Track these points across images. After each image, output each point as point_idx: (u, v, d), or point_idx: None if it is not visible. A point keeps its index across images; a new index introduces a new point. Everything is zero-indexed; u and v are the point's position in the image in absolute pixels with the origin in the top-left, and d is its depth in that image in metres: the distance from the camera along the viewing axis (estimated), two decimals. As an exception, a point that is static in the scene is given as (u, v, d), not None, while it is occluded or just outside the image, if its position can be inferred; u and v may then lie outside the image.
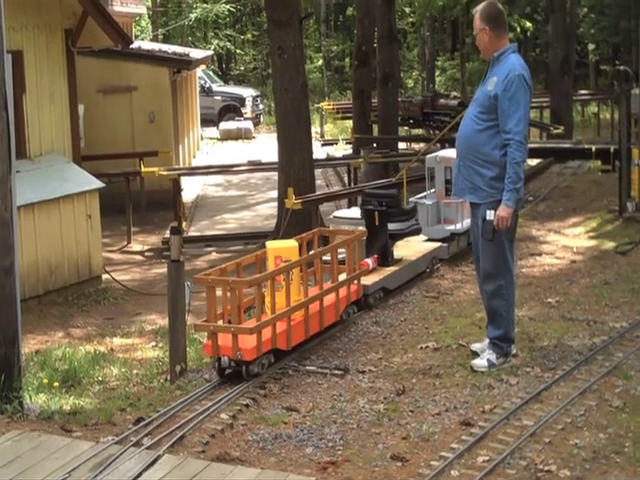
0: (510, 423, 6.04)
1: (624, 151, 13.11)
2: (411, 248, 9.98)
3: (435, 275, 10.03)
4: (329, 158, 20.77)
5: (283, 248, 7.61)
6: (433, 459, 5.60)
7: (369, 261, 8.95)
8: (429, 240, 10.38)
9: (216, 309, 7.07)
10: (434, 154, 11.24)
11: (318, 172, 17.98)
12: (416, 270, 9.65)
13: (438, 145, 19.40)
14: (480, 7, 7.08)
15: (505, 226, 6.84)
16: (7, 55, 7.00)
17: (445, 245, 10.38)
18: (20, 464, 5.48)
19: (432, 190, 10.98)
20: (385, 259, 9.23)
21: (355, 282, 8.34)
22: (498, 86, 6.80)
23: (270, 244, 7.81)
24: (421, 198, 11.01)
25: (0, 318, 6.68)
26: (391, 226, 9.32)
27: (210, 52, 31.82)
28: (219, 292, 7.16)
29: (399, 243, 9.79)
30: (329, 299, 7.89)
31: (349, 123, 26.34)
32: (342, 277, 8.20)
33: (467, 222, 10.26)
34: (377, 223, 9.25)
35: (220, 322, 7.16)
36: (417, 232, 9.91)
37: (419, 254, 9.83)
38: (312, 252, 8.16)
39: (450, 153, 10.68)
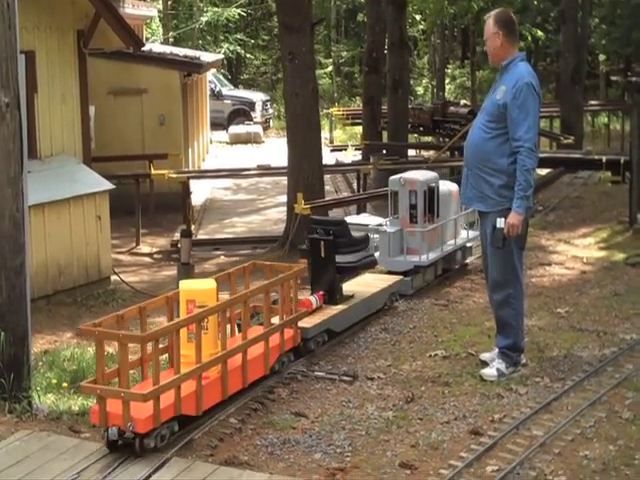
0: (520, 433, 6.03)
1: (635, 162, 13.10)
2: (367, 282, 8.98)
3: (445, 283, 10.01)
4: (338, 164, 20.77)
5: (197, 291, 6.39)
6: (442, 467, 5.60)
7: (312, 299, 7.86)
8: (390, 273, 9.40)
9: (104, 367, 5.86)
10: (398, 176, 9.99)
11: (327, 178, 17.96)
12: (370, 308, 8.54)
13: (447, 153, 19.43)
14: (494, 12, 7.16)
15: (516, 233, 6.84)
16: (20, 55, 7.02)
17: (408, 279, 9.32)
18: (29, 464, 5.48)
19: (395, 216, 9.82)
20: (332, 296, 8.09)
21: (292, 326, 7.24)
22: (507, 94, 6.82)
23: (183, 285, 6.55)
24: (382, 225, 9.91)
25: (10, 318, 6.68)
26: (339, 258, 8.20)
27: (220, 56, 31.86)
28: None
29: (354, 277, 8.93)
30: (256, 350, 6.75)
31: (358, 129, 26.35)
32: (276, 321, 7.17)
33: (433, 254, 9.65)
34: (323, 255, 8.13)
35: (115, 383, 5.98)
36: (371, 265, 8.88)
37: (375, 289, 8.73)
38: (235, 295, 6.91)
39: (416, 175, 10.00)
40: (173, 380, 5.83)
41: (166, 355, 6.63)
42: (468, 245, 10.54)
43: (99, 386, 5.74)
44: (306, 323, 7.51)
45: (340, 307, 8.06)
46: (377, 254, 9.39)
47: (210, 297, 6.36)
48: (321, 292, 8.02)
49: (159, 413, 5.67)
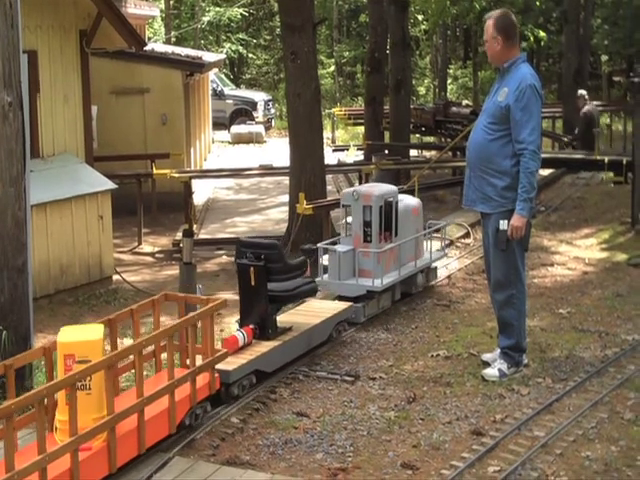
0: (521, 433, 6.03)
1: (637, 163, 13.09)
2: (310, 311, 8.00)
3: (447, 284, 9.99)
4: (340, 164, 20.74)
5: (77, 343, 5.32)
6: (444, 468, 5.60)
7: (239, 335, 6.95)
8: (341, 298, 8.53)
9: None
10: (351, 189, 9.14)
11: (329, 178, 17.96)
12: (311, 342, 7.56)
13: (450, 154, 19.42)
14: (494, 15, 7.09)
15: (519, 235, 6.84)
16: (22, 55, 7.03)
17: (359, 305, 8.39)
18: (30, 464, 5.43)
19: (348, 234, 8.86)
20: (264, 330, 7.15)
21: (208, 370, 6.18)
22: (509, 96, 6.82)
23: (61, 335, 5.43)
24: (332, 244, 8.98)
25: (12, 317, 6.70)
26: (272, 286, 7.22)
27: (222, 56, 31.84)
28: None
29: (297, 304, 8.11)
30: (157, 406, 5.67)
31: (360, 129, 26.32)
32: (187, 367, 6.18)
33: (389, 277, 8.74)
34: (253, 282, 7.14)
35: None
36: (310, 293, 7.86)
37: (318, 320, 7.71)
38: (125, 346, 5.95)
39: (371, 188, 9.07)
40: (34, 463, 4.70)
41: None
42: (433, 266, 9.75)
43: None
44: (228, 364, 6.50)
45: (273, 343, 7.09)
46: (326, 276, 8.72)
47: (94, 350, 5.31)
48: (251, 326, 7.12)
49: None
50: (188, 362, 6.17)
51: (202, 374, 6.11)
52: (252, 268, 7.13)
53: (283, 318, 7.68)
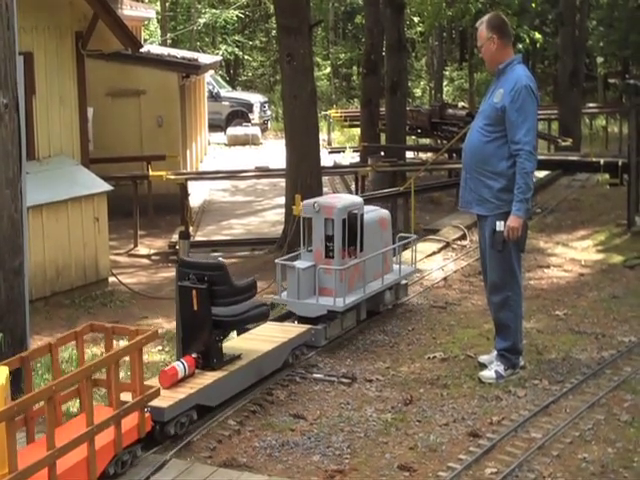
0: (518, 435, 6.03)
1: (633, 165, 13.11)
2: (263, 336, 7.32)
3: (443, 285, 9.99)
4: (336, 166, 20.76)
5: None
6: (441, 470, 5.60)
7: (179, 366, 6.27)
8: (301, 319, 7.97)
9: None
10: (312, 200, 8.40)
11: (325, 180, 17.99)
12: (262, 371, 6.86)
13: (445, 156, 19.44)
14: (485, 18, 7.19)
15: (516, 236, 6.84)
16: (18, 57, 7.02)
17: (320, 327, 7.74)
18: (27, 466, 5.38)
19: (309, 249, 8.26)
20: (208, 360, 6.48)
21: (137, 410, 5.49)
22: (505, 98, 6.82)
23: None
24: (291, 259, 8.38)
25: (9, 319, 6.69)
26: (217, 310, 6.57)
27: (219, 57, 31.85)
28: None
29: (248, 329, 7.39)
30: (73, 457, 4.96)
31: (356, 131, 26.36)
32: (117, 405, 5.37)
33: (353, 296, 8.09)
34: (196, 307, 6.49)
35: None
36: (260, 318, 7.16)
37: (271, 346, 7.03)
38: (33, 392, 5.01)
39: (334, 200, 8.49)
40: None
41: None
42: (403, 283, 9.12)
43: None
44: (163, 401, 5.80)
45: (217, 374, 6.41)
46: (285, 295, 8.16)
47: None
48: (193, 355, 6.46)
49: None
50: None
51: (130, 415, 5.43)
52: (194, 291, 6.48)
53: (232, 344, 7.05)
